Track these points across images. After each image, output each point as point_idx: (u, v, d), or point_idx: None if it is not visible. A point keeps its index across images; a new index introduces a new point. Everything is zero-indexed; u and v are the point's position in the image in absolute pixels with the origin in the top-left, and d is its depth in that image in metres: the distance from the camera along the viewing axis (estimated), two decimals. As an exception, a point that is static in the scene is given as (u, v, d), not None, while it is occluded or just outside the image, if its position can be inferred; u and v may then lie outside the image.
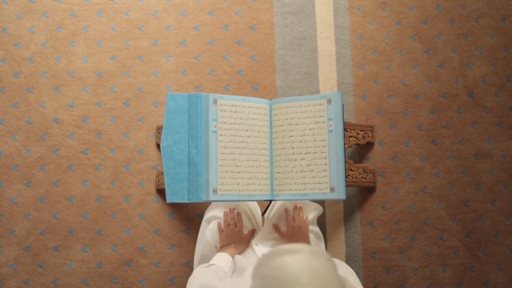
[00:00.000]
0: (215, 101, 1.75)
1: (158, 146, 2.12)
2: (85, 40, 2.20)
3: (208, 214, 1.86)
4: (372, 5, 2.22)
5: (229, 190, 1.73)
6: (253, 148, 1.79)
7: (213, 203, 1.89)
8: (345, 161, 1.76)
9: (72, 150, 2.15)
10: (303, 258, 0.95)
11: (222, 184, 1.73)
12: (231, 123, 1.76)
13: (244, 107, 1.79)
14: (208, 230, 1.81)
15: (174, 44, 2.20)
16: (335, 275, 0.95)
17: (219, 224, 1.74)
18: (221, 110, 1.76)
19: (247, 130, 1.79)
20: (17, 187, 2.13)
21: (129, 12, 2.22)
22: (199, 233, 1.86)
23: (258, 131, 1.81)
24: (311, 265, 0.94)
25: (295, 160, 1.78)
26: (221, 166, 1.73)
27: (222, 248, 1.68)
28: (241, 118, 1.78)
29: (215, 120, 1.74)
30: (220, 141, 1.74)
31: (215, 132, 1.74)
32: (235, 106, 1.78)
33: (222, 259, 1.60)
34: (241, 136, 1.78)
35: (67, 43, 2.20)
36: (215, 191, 1.72)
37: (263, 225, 1.85)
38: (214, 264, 1.56)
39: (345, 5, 2.21)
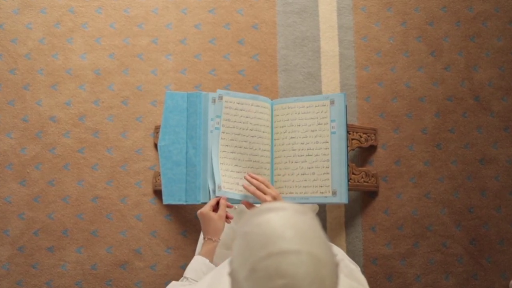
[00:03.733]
0: (220, 97, 1.72)
1: (156, 146, 2.10)
2: (83, 37, 2.18)
3: None
4: (376, 5, 2.19)
5: (230, 189, 1.70)
6: (256, 149, 1.76)
7: None
8: (348, 164, 1.73)
9: (68, 149, 2.13)
10: (287, 215, 0.94)
11: (224, 182, 1.70)
12: (235, 121, 1.73)
13: (251, 105, 1.76)
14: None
15: (174, 42, 2.18)
16: (319, 232, 0.95)
17: (207, 213, 1.64)
18: (226, 107, 1.72)
19: (251, 130, 1.76)
20: (11, 186, 2.11)
21: (128, 9, 2.19)
22: (200, 233, 1.84)
23: (263, 131, 1.78)
24: (295, 221, 0.93)
25: (296, 162, 1.76)
26: (221, 164, 1.70)
27: (207, 243, 1.62)
28: (246, 117, 1.75)
29: (218, 116, 1.71)
30: (222, 138, 1.71)
31: (218, 129, 1.70)
32: (241, 104, 1.75)
33: (196, 269, 1.57)
34: (244, 135, 1.74)
35: (65, 39, 2.18)
36: (219, 187, 1.68)
37: None
38: (186, 278, 1.55)
39: (349, 5, 2.19)
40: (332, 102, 1.76)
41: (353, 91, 2.15)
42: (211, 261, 1.59)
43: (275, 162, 1.80)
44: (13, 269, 2.09)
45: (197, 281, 1.52)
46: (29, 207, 2.11)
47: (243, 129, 1.75)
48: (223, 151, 1.71)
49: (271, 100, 1.83)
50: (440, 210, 2.11)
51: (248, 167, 1.74)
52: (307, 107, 1.78)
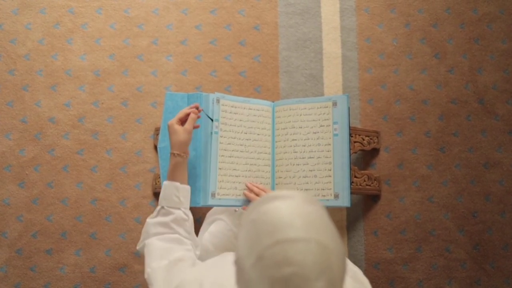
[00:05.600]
0: (218, 100, 1.71)
1: (155, 148, 2.09)
2: (83, 38, 2.17)
3: (211, 217, 1.82)
4: (380, 7, 2.18)
5: (227, 195, 1.69)
6: (252, 152, 1.75)
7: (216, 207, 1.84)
8: (350, 167, 1.71)
9: (67, 151, 2.11)
10: (295, 203, 0.93)
11: (220, 188, 1.69)
12: (231, 125, 1.73)
13: (244, 108, 1.75)
14: (207, 233, 1.77)
15: (175, 43, 2.16)
16: (328, 221, 0.94)
17: (172, 125, 1.57)
18: (222, 110, 1.71)
19: (246, 133, 1.75)
20: (10, 188, 2.10)
21: (128, 10, 2.18)
22: (198, 235, 1.82)
23: (258, 134, 1.77)
24: (303, 210, 0.92)
25: (298, 164, 1.74)
26: (220, 169, 1.70)
27: (171, 158, 1.55)
28: (240, 120, 1.74)
29: (216, 120, 1.70)
30: (220, 142, 1.70)
31: (216, 133, 1.69)
32: (235, 107, 1.74)
33: (168, 195, 1.51)
34: (240, 138, 1.74)
35: (64, 40, 2.16)
36: (213, 195, 1.67)
37: None
38: (162, 207, 1.50)
39: (352, 6, 2.17)
40: (334, 104, 1.74)
41: (355, 94, 2.14)
42: (183, 182, 1.54)
43: (276, 165, 1.78)
44: (11, 272, 2.07)
45: (174, 208, 1.49)
46: (28, 209, 2.09)
47: (238, 132, 1.74)
48: (221, 156, 1.70)
49: (273, 102, 1.82)
50: (444, 215, 2.09)
51: (246, 170, 1.74)
52: (309, 109, 1.76)
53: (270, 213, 0.92)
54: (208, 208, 1.90)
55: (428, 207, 2.09)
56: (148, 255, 1.43)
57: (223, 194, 1.69)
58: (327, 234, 0.90)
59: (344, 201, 1.70)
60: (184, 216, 1.50)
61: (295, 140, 1.76)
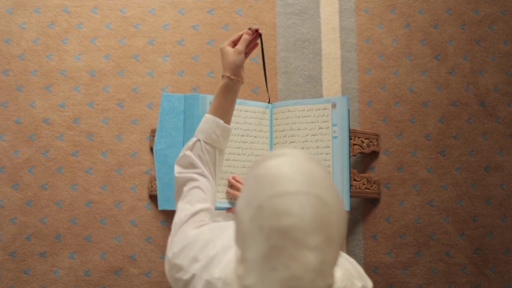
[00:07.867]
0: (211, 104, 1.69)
1: (151, 150, 2.07)
2: (78, 38, 2.15)
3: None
4: (379, 7, 2.16)
5: (224, 198, 1.68)
6: (249, 155, 1.74)
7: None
8: (350, 170, 1.69)
9: (61, 152, 2.09)
10: (299, 160, 0.94)
11: (218, 191, 1.67)
12: None
13: (240, 110, 1.74)
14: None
15: (171, 43, 2.14)
16: (330, 180, 0.94)
17: (223, 47, 1.48)
18: None
19: (242, 135, 1.74)
20: (3, 190, 2.08)
21: (124, 10, 2.16)
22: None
23: (255, 137, 1.75)
24: (307, 166, 0.93)
25: (296, 167, 1.72)
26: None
27: (221, 81, 1.45)
28: (236, 123, 1.73)
29: None
30: None
31: None
32: None
33: (206, 129, 1.42)
34: (236, 141, 1.72)
35: (59, 40, 2.14)
36: None
37: None
38: (199, 140, 1.41)
39: (352, 7, 2.16)
40: (333, 106, 1.73)
41: (355, 95, 2.12)
42: (226, 118, 1.44)
43: (274, 168, 1.77)
44: (4, 275, 2.05)
45: (210, 146, 1.40)
46: (22, 211, 2.07)
47: (234, 135, 1.72)
48: None
49: (271, 103, 1.80)
50: (444, 219, 2.07)
51: (243, 173, 1.72)
52: (308, 111, 1.75)
53: (273, 168, 0.92)
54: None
55: (428, 211, 2.08)
56: (189, 196, 1.36)
57: (222, 198, 1.68)
58: (328, 192, 0.91)
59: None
60: (220, 157, 1.43)
61: (294, 142, 1.75)
